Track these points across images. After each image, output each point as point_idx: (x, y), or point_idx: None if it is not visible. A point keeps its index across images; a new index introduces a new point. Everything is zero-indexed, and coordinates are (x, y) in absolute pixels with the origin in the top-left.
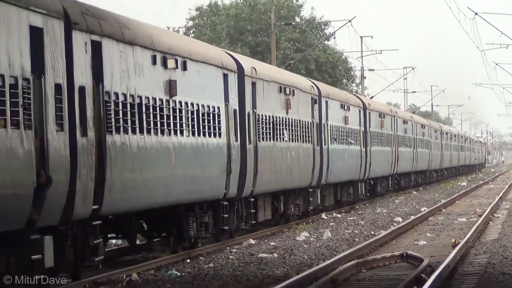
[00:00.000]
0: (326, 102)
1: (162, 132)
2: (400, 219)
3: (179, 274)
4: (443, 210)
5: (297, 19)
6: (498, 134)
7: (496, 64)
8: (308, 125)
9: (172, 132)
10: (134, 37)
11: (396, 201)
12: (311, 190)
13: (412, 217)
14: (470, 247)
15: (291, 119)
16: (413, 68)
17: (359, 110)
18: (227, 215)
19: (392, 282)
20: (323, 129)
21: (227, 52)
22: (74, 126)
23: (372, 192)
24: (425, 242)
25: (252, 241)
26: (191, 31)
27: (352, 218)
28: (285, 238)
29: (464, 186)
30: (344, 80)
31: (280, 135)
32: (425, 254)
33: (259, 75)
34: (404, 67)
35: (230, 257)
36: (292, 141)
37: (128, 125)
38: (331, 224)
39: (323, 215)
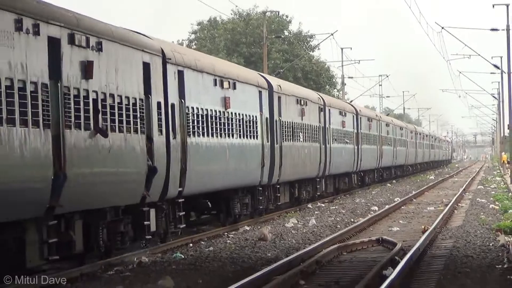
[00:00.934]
0: (329, 110)
1: (221, 135)
2: (376, 208)
3: (183, 256)
4: (414, 200)
5: (286, 33)
6: (462, 133)
7: (460, 72)
8: (316, 129)
9: (227, 135)
10: (202, 66)
11: (373, 192)
12: (318, 179)
13: (387, 206)
14: (438, 233)
15: (305, 124)
16: (387, 76)
17: (353, 116)
18: (261, 198)
19: (370, 264)
20: (327, 132)
21: (260, 74)
22: (168, 131)
23: (362, 182)
24: (398, 228)
25: (247, 228)
26: (193, 43)
27: (334, 207)
28: (275, 225)
29: (432, 179)
30: (327, 87)
31: (297, 137)
32: (398, 239)
33: (283, 91)
34: (379, 75)
35: (228, 241)
36: (305, 141)
37: (199, 130)
38: (316, 212)
39: (309, 205)
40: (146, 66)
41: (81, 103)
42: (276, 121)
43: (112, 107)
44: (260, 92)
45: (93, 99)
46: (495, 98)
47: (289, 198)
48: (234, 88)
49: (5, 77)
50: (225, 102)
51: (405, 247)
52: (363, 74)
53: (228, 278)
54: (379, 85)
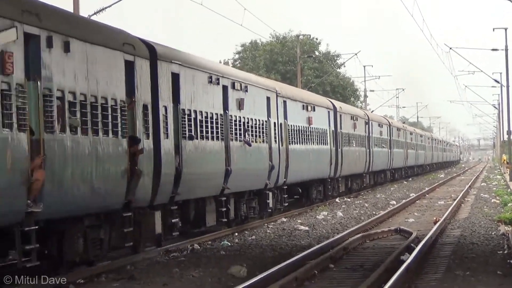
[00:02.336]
0: (341, 115)
1: (307, 143)
2: (395, 202)
3: (229, 244)
4: (427, 195)
5: (316, 53)
6: (467, 138)
7: (466, 86)
8: (363, 137)
9: (310, 143)
10: (296, 97)
11: (391, 188)
12: (364, 174)
13: (403, 201)
14: (447, 224)
15: (356, 134)
16: (403, 89)
17: (387, 127)
18: (330, 186)
19: (389, 250)
20: (370, 139)
21: (328, 99)
22: (280, 140)
23: (393, 178)
24: (413, 220)
25: (284, 219)
26: (237, 62)
27: (359, 202)
28: (308, 217)
29: (442, 177)
30: (351, 99)
31: (351, 143)
32: (413, 228)
33: (343, 111)
34: (396, 89)
35: (268, 231)
36: (356, 146)
37: (295, 139)
38: (343, 206)
39: (337, 199)
40: (268, 99)
41: (237, 125)
42: (338, 132)
43: (253, 127)
44: (328, 112)
45: (242, 122)
46: (496, 108)
47: (344, 188)
48: (314, 110)
49: (205, 111)
50: (309, 120)
51: (420, 235)
52: (382, 87)
53: (267, 262)
54: (396, 97)
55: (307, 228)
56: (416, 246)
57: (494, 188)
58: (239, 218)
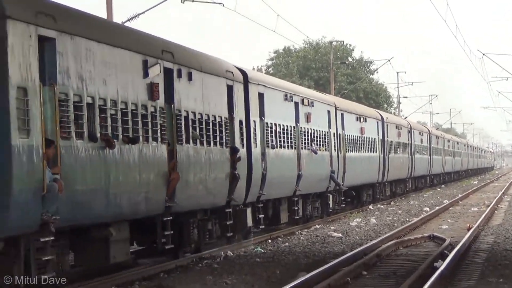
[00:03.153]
0: (387, 125)
1: (359, 151)
2: (428, 209)
3: (263, 250)
4: (460, 202)
5: (350, 59)
6: (501, 145)
7: (499, 92)
8: (406, 145)
9: (363, 150)
10: (350, 109)
11: (425, 195)
12: (407, 179)
13: (437, 207)
14: (481, 230)
15: (401, 142)
16: (436, 96)
17: (427, 135)
18: (378, 190)
19: (423, 257)
20: (385, 143)
21: (376, 111)
22: (338, 148)
23: (431, 183)
24: (446, 226)
25: (317, 226)
26: (270, 69)
27: (392, 209)
28: (342, 224)
29: (475, 184)
30: (384, 105)
31: (396, 151)
32: (447, 235)
33: (389, 121)
34: (430, 95)
35: (301, 238)
36: (401, 153)
37: (350, 147)
38: (376, 213)
39: (370, 206)
40: (329, 113)
41: (306, 135)
42: (385, 141)
43: (317, 137)
44: (377, 122)
45: (310, 133)
46: None
47: (389, 192)
48: (365, 121)
49: (282, 123)
50: (361, 130)
51: (453, 242)
52: (415, 94)
53: (301, 269)
54: (429, 103)
55: (340, 235)
56: (450, 252)
57: None
58: (305, 217)
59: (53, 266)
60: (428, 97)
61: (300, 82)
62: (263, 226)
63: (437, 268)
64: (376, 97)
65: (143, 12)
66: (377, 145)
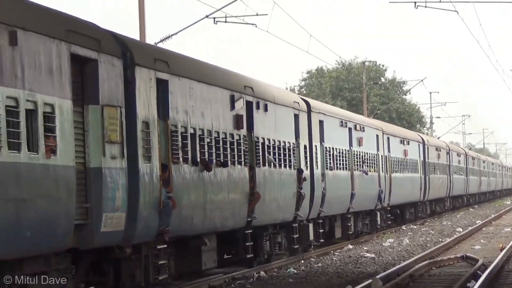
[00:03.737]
0: (428, 147)
1: (403, 171)
2: (461, 229)
3: (295, 271)
4: (493, 222)
5: (382, 79)
6: None
7: None
8: (417, 163)
9: (407, 172)
10: (395, 133)
11: (458, 216)
12: (445, 198)
13: (470, 228)
14: None
15: (440, 163)
16: (469, 116)
17: (446, 152)
18: (420, 208)
19: (455, 277)
20: (426, 165)
21: (418, 134)
22: (385, 170)
23: (469, 201)
24: (479, 247)
25: (350, 246)
26: (303, 89)
27: (424, 229)
28: (374, 244)
29: (508, 204)
30: (417, 125)
31: (436, 172)
32: (480, 255)
33: (429, 143)
34: (462, 115)
35: (334, 258)
36: (441, 174)
37: (397, 169)
38: (409, 233)
39: (403, 227)
40: (377, 137)
41: (358, 157)
42: (426, 162)
43: (368, 159)
44: (419, 144)
45: (361, 155)
46: None
47: (429, 210)
48: (408, 144)
49: (338, 147)
50: (405, 152)
51: (486, 263)
52: (448, 114)
53: None
54: (462, 123)
55: (373, 255)
56: (483, 273)
57: None
58: (356, 233)
59: (165, 269)
60: (461, 117)
61: (332, 102)
62: (323, 240)
63: None
64: (409, 118)
65: (176, 33)
66: (419, 166)
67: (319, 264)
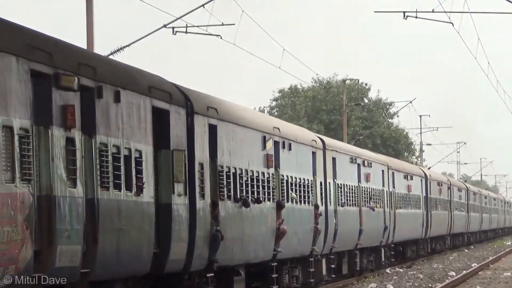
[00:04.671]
0: (430, 182)
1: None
2: (454, 273)
3: None
4: (491, 265)
5: (365, 100)
6: None
7: None
8: (420, 199)
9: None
10: (398, 168)
11: (450, 257)
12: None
13: (464, 272)
14: None
15: (442, 199)
16: (465, 143)
17: (447, 186)
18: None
19: None
20: (428, 200)
21: (420, 167)
22: (390, 205)
23: (453, 245)
24: None
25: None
26: (274, 110)
27: (412, 273)
28: None
29: (509, 245)
30: (405, 153)
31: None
32: None
33: (432, 178)
34: (457, 142)
35: None
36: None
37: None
38: (394, 277)
39: (387, 270)
40: (383, 172)
41: (365, 193)
42: (429, 198)
43: (374, 195)
44: (421, 179)
45: (368, 191)
46: None
47: (430, 249)
48: (412, 179)
49: (348, 184)
50: (408, 188)
51: None
52: (441, 141)
53: None
54: (457, 152)
55: None
56: None
57: None
58: (361, 269)
59: None
60: (455, 145)
61: (308, 126)
62: (334, 276)
63: None
64: (395, 144)
65: (129, 45)
66: (421, 202)
67: None
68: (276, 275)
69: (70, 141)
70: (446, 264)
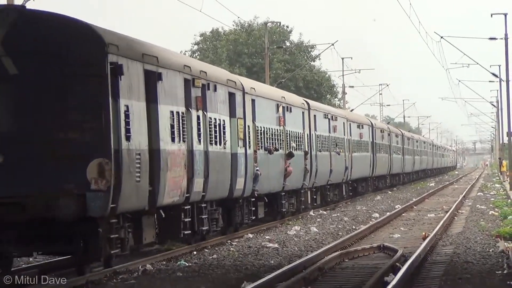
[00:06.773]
0: (375, 130)
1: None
2: (378, 215)
3: (187, 264)
4: (415, 207)
5: (287, 43)
6: (461, 141)
7: (459, 81)
8: (368, 144)
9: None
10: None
11: (374, 199)
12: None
13: (388, 213)
14: (438, 239)
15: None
16: (387, 85)
17: (387, 133)
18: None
19: (371, 270)
20: (374, 145)
21: (367, 118)
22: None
23: (407, 178)
24: (399, 235)
25: (250, 235)
26: (196, 54)
27: (336, 215)
28: (278, 233)
29: (432, 186)
30: (328, 96)
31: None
32: (399, 245)
33: (377, 126)
34: (379, 84)
35: (231, 249)
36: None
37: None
38: (318, 220)
39: (311, 212)
40: (343, 124)
41: (334, 142)
42: (374, 142)
43: (339, 143)
44: (369, 128)
45: (334, 140)
46: (494, 106)
47: (375, 186)
48: (362, 128)
49: (323, 134)
50: (360, 135)
51: (406, 253)
52: (363, 83)
53: (231, 285)
54: (379, 94)
55: (276, 245)
56: (402, 265)
57: (492, 199)
58: (332, 201)
59: (258, 212)
60: (377, 87)
61: (230, 69)
62: (316, 203)
63: (388, 283)
64: (318, 87)
65: None
66: (369, 147)
67: (214, 256)
68: (286, 201)
69: (197, 118)
70: (370, 206)
